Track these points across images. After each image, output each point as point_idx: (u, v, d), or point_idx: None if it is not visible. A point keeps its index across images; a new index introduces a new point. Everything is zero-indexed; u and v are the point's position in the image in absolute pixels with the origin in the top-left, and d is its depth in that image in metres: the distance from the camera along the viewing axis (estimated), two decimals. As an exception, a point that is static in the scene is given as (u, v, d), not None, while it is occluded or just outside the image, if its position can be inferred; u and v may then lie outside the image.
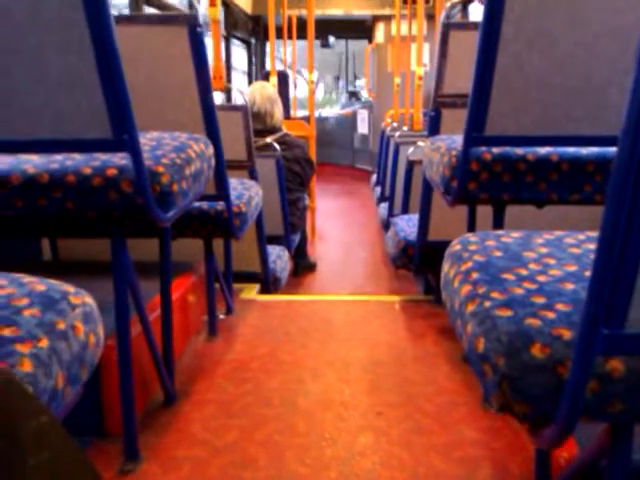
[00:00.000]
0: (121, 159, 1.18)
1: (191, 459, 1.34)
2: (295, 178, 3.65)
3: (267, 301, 2.54)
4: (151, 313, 1.57)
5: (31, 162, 1.21)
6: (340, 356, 1.91)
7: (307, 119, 5.41)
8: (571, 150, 1.37)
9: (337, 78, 12.75)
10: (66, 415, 0.69)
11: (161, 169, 1.19)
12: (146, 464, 1.32)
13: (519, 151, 1.37)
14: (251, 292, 2.69)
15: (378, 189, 5.23)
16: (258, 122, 3.49)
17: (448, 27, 1.94)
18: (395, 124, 5.70)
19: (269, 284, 2.77)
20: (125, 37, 1.66)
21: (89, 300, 0.78)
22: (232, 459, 1.34)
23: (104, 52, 1.02)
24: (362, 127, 9.49)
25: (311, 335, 2.09)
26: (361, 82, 12.00)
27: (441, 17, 1.98)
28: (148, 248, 1.63)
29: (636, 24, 1.16)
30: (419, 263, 2.31)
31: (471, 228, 1.65)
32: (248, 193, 2.17)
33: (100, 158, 1.21)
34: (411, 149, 2.99)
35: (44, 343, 0.65)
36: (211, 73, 3.31)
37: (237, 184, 2.22)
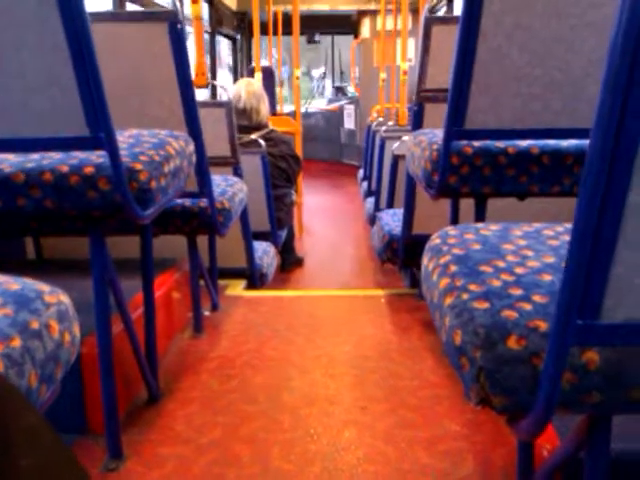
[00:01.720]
0: (99, 157, 1.17)
1: (175, 457, 1.34)
2: (281, 174, 3.64)
3: (253, 297, 2.53)
4: (134, 310, 1.56)
5: (7, 161, 1.20)
6: (326, 351, 1.91)
7: (293, 115, 5.40)
8: (551, 143, 1.37)
9: (324, 74, 12.74)
10: (44, 414, 0.69)
11: (139, 166, 1.18)
12: (130, 462, 1.32)
13: (500, 144, 1.37)
14: (237, 288, 2.68)
15: (365, 184, 5.24)
16: (244, 118, 3.48)
17: (430, 21, 1.94)
18: (381, 119, 5.70)
19: (255, 280, 2.76)
20: (106, 34, 1.65)
21: (64, 299, 0.77)
22: (216, 457, 1.34)
23: (80, 50, 1.01)
24: (349, 122, 9.48)
25: (297, 331, 2.09)
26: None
27: (423, 12, 1.98)
28: (132, 245, 1.62)
29: (613, 18, 1.17)
30: (404, 257, 2.32)
31: (454, 221, 1.65)
32: (232, 189, 2.16)
33: (77, 156, 1.20)
34: (396, 144, 2.99)
35: (16, 342, 0.64)
36: (194, 70, 3.30)
37: (220, 181, 2.21)
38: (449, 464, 1.29)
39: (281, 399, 1.59)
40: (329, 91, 12.39)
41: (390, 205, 2.97)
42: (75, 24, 0.99)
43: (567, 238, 0.88)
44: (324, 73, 12.74)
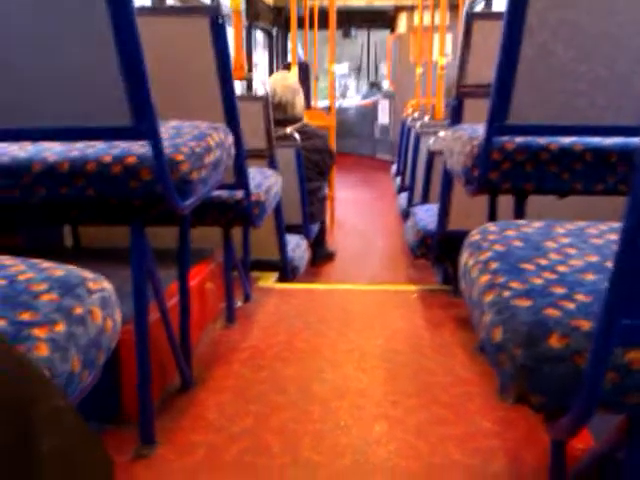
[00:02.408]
0: (141, 147, 1.19)
1: (206, 445, 1.36)
2: (314, 168, 3.64)
3: (285, 289, 2.55)
4: (170, 299, 1.59)
5: (51, 150, 1.23)
6: (357, 345, 1.91)
7: (328, 109, 5.40)
8: (595, 140, 1.35)
9: (358, 69, 12.65)
10: (83, 398, 0.70)
11: (180, 157, 1.20)
12: (161, 449, 1.34)
13: (542, 141, 1.35)
14: (269, 280, 2.70)
15: (398, 179, 5.21)
16: (279, 112, 3.49)
17: (472, 17, 1.92)
18: (416, 114, 5.66)
19: (287, 272, 2.78)
20: (148, 27, 1.67)
21: (107, 286, 0.79)
22: (247, 445, 1.35)
23: (125, 40, 1.03)
24: (383, 117, 9.44)
25: (329, 324, 2.09)
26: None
27: (465, 7, 1.96)
28: (169, 235, 1.64)
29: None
30: (438, 253, 2.30)
31: (492, 218, 1.64)
32: (267, 182, 2.17)
33: (120, 146, 1.22)
34: (432, 139, 2.97)
35: (61, 327, 0.66)
36: (232, 63, 3.32)
37: (256, 173, 2.23)
38: (480, 461, 1.28)
39: (312, 391, 1.60)
40: (352, 91, 12.18)
41: (424, 200, 2.96)
42: (121, 15, 1.01)
43: (611, 237, 0.86)
44: (358, 69, 12.57)
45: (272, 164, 2.63)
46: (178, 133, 1.31)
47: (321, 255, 4.16)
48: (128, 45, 1.03)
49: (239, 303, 2.29)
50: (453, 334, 1.98)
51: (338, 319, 2.14)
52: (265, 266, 2.73)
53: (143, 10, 1.74)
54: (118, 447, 1.33)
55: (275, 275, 2.78)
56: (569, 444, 1.02)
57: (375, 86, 11.04)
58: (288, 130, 3.40)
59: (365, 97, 10.78)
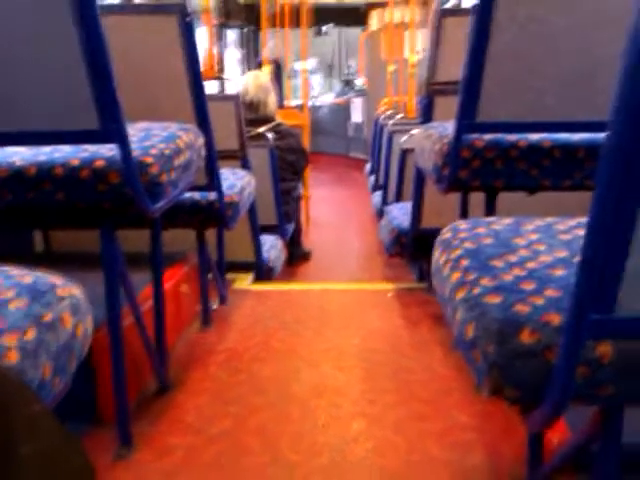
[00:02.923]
0: (110, 150, 1.18)
1: (184, 446, 1.35)
2: (289, 167, 3.63)
3: (261, 290, 2.54)
4: (144, 303, 1.57)
5: (18, 154, 1.20)
6: (335, 344, 1.91)
7: (301, 108, 5.39)
8: (563, 136, 1.37)
9: (330, 66, 12.64)
10: (56, 405, 0.69)
11: (150, 160, 1.19)
12: (139, 452, 1.33)
13: (511, 138, 1.37)
14: (245, 282, 2.69)
15: (372, 178, 5.22)
16: (252, 112, 3.47)
17: (442, 14, 1.93)
18: (389, 112, 5.68)
19: (263, 273, 2.77)
20: (115, 27, 1.66)
21: (77, 291, 0.77)
22: (226, 446, 1.34)
23: (90, 42, 1.01)
24: (356, 115, 9.45)
25: (305, 324, 2.09)
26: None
27: (435, 4, 1.97)
28: (143, 238, 1.62)
29: (629, 9, 1.16)
30: (412, 251, 2.32)
31: (463, 215, 1.65)
32: (240, 183, 2.16)
33: (89, 149, 1.20)
34: (404, 137, 2.98)
35: (31, 334, 0.65)
36: (203, 62, 3.30)
37: (229, 174, 2.21)
38: (459, 455, 1.29)
39: (290, 391, 1.60)
40: (317, 90, 12.10)
41: (398, 199, 2.97)
42: (86, 16, 0.99)
43: (579, 232, 0.88)
44: (330, 67, 12.52)
45: (245, 164, 2.62)
46: (147, 135, 1.29)
47: (297, 255, 4.15)
48: (93, 45, 1.01)
49: (215, 305, 2.28)
50: (430, 331, 1.99)
51: (315, 319, 2.14)
52: (240, 267, 2.72)
53: (109, 8, 1.72)
54: (96, 449, 1.32)
55: (251, 276, 2.77)
56: (546, 436, 1.03)
57: (348, 84, 11.05)
58: (261, 130, 3.38)
59: (338, 95, 10.78)
